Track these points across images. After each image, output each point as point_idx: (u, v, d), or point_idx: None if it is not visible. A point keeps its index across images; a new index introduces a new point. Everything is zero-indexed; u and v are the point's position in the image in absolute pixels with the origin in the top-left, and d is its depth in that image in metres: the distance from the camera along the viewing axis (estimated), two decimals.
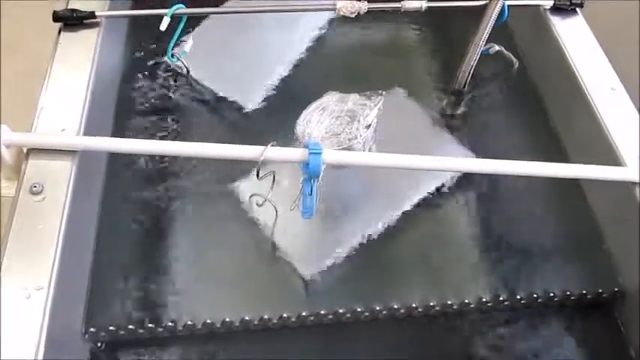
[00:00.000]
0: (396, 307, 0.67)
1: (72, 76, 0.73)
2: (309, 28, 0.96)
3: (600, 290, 0.69)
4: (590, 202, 0.75)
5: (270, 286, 0.70)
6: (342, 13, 0.79)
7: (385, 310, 0.67)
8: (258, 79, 0.89)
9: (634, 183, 0.67)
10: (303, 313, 0.66)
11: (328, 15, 0.97)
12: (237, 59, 0.92)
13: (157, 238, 0.72)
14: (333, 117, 0.76)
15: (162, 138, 0.79)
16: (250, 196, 0.74)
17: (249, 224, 0.73)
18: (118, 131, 0.78)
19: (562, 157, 0.79)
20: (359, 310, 0.66)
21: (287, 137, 0.80)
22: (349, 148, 0.75)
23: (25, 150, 0.66)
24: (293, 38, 0.95)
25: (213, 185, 0.77)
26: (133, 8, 0.82)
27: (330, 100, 0.78)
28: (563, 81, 0.80)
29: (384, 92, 0.78)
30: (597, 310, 0.70)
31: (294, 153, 0.64)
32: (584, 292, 0.69)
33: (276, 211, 0.72)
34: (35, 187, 0.63)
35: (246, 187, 0.76)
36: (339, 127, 0.73)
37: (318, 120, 0.76)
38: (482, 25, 0.79)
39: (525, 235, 0.74)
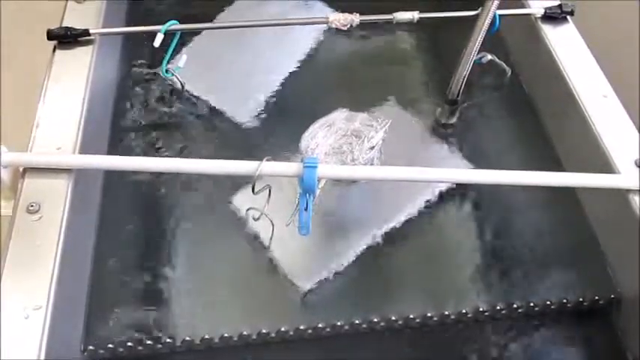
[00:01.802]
0: (393, 318, 0.67)
1: (67, 94, 0.73)
2: (302, 40, 0.97)
3: (597, 297, 0.69)
4: (585, 209, 0.76)
5: (268, 300, 0.70)
6: (334, 26, 0.80)
7: (383, 321, 0.67)
8: (253, 92, 0.90)
9: (628, 190, 0.67)
10: (301, 327, 0.66)
11: (322, 26, 0.98)
12: (232, 72, 0.92)
13: (155, 254, 0.72)
14: (338, 135, 0.77)
15: (158, 153, 0.80)
16: (247, 210, 0.74)
17: (247, 238, 0.74)
18: (114, 148, 0.78)
19: (556, 165, 0.79)
20: (357, 322, 0.67)
21: (283, 149, 0.81)
22: None
23: (21, 169, 0.66)
24: (287, 50, 0.96)
25: (210, 198, 0.77)
26: (127, 25, 0.83)
27: (338, 117, 0.79)
28: (555, 89, 0.81)
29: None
30: (594, 317, 0.70)
31: (290, 167, 0.65)
32: (581, 299, 0.69)
33: (273, 225, 0.72)
34: (32, 206, 0.63)
35: (242, 201, 0.77)
36: (343, 146, 0.73)
37: (324, 136, 0.77)
38: (474, 35, 0.79)
39: (521, 243, 0.74)
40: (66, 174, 0.66)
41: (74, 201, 0.65)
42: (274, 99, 0.89)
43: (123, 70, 0.87)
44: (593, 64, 0.80)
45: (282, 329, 0.66)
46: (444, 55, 0.95)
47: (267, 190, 0.68)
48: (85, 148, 0.69)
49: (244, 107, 0.88)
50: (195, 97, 0.87)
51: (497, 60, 0.84)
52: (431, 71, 0.94)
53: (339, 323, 0.66)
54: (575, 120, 0.77)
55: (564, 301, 0.69)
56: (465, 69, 0.82)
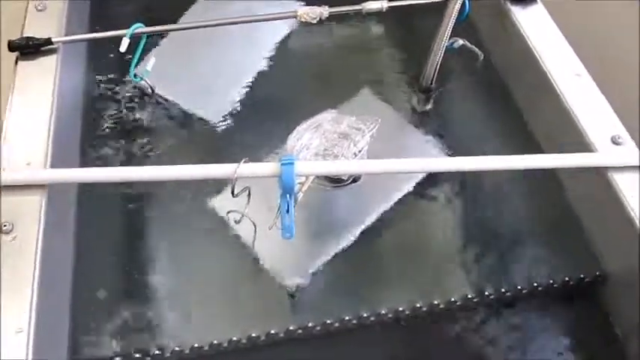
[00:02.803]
0: (383, 312, 0.67)
1: (33, 107, 0.71)
2: (270, 35, 0.96)
3: (582, 276, 0.70)
4: (565, 190, 0.76)
5: (256, 302, 0.69)
6: (303, 20, 0.79)
7: (373, 316, 0.66)
8: (224, 91, 0.89)
9: (607, 168, 0.68)
10: (291, 327, 0.65)
11: (290, 20, 0.96)
12: (202, 73, 0.91)
13: (136, 264, 0.70)
14: (325, 137, 0.76)
15: (132, 160, 0.78)
16: (227, 213, 0.73)
17: (229, 241, 0.73)
18: (86, 159, 0.76)
19: (533, 147, 0.80)
20: (347, 318, 0.66)
21: (260, 148, 0.80)
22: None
23: None
24: (256, 46, 0.94)
25: (188, 203, 0.76)
26: (90, 31, 0.80)
27: (325, 118, 0.78)
28: (528, 70, 0.81)
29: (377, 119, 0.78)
30: (581, 295, 0.71)
31: (267, 167, 0.64)
32: (567, 279, 0.70)
33: (255, 227, 0.71)
34: (5, 226, 0.61)
35: (221, 203, 0.75)
36: (329, 149, 0.72)
37: (310, 137, 0.76)
38: (444, 21, 0.79)
39: (503, 227, 0.75)
40: (39, 189, 0.64)
41: (49, 218, 0.63)
42: (247, 97, 0.88)
43: (90, 78, 0.84)
44: (564, 44, 0.80)
45: (272, 332, 0.65)
46: (414, 42, 0.94)
47: (247, 192, 0.68)
48: (56, 162, 0.67)
49: (217, 107, 0.86)
50: (166, 100, 0.85)
51: (468, 45, 0.84)
52: (403, 59, 0.93)
53: (329, 321, 0.66)
54: (549, 100, 0.77)
55: (551, 282, 0.69)
56: (437, 55, 0.82)
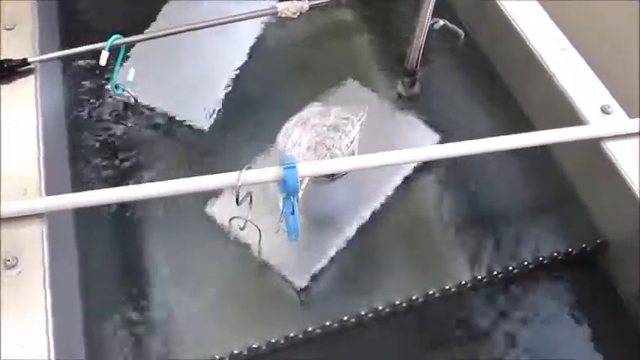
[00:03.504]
0: (397, 302, 0.67)
1: (19, 132, 0.69)
2: (247, 31, 0.94)
3: (584, 245, 0.71)
4: (559, 162, 0.77)
5: (268, 306, 0.69)
6: (284, 16, 0.77)
7: (388, 307, 0.67)
8: (207, 93, 0.87)
9: (600, 138, 0.69)
10: (309, 328, 0.66)
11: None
12: (182, 76, 0.89)
13: (142, 279, 0.70)
14: (315, 131, 0.75)
15: (124, 175, 0.77)
16: (230, 220, 0.72)
17: (233, 247, 0.72)
18: (78, 178, 0.74)
19: (524, 121, 0.81)
20: (362, 312, 0.67)
21: (252, 147, 0.79)
22: None
23: None
24: (233, 44, 0.93)
25: (187, 212, 0.75)
26: (63, 47, 0.77)
27: (312, 112, 0.77)
28: (512, 47, 0.81)
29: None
30: (583, 264, 0.72)
31: (270, 172, 0.63)
32: (570, 249, 0.71)
33: (260, 231, 0.70)
34: (8, 260, 0.59)
35: (220, 209, 0.75)
36: (321, 143, 0.72)
37: (299, 134, 0.75)
38: (425, 3, 0.79)
39: (502, 206, 0.76)
40: (37, 218, 0.62)
41: (52, 247, 0.61)
42: (231, 96, 0.86)
43: (71, 95, 0.82)
44: (546, 19, 0.80)
45: (291, 334, 0.65)
46: (392, 27, 0.94)
47: (249, 198, 0.67)
48: (51, 185, 0.66)
49: (202, 111, 0.85)
50: (150, 109, 0.84)
51: (449, 25, 0.84)
52: (382, 45, 0.93)
53: (345, 317, 0.66)
54: (536, 75, 0.78)
55: (555, 254, 0.71)
56: (420, 38, 0.82)
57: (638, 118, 0.69)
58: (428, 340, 0.68)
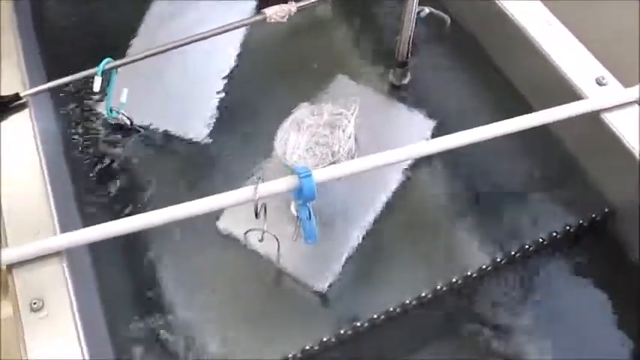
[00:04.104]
0: (423, 294, 0.68)
1: (22, 169, 0.67)
2: (232, 35, 0.92)
3: (594, 215, 0.73)
4: (558, 137, 0.78)
5: (294, 313, 0.70)
6: (273, 21, 0.77)
7: (415, 300, 0.68)
8: (201, 104, 0.86)
9: (599, 110, 0.70)
10: (341, 331, 0.66)
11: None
12: (172, 90, 0.87)
13: (166, 302, 0.69)
14: (310, 132, 0.75)
15: (131, 198, 0.76)
16: (246, 233, 0.72)
17: (251, 258, 0.72)
18: (86, 208, 0.73)
19: (519, 101, 0.81)
20: (391, 309, 0.67)
21: (255, 154, 0.79)
22: (336, 163, 0.74)
23: (4, 266, 0.61)
24: (221, 49, 0.91)
25: (199, 228, 0.74)
26: (49, 79, 0.75)
27: (304, 113, 0.77)
28: (499, 26, 0.82)
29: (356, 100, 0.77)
30: (593, 233, 0.74)
31: (286, 182, 0.63)
32: (581, 221, 0.73)
33: (278, 241, 0.70)
34: (35, 303, 0.58)
35: (232, 222, 0.74)
36: (319, 142, 0.72)
37: (296, 138, 0.75)
38: None
39: (507, 186, 0.77)
40: (56, 257, 0.61)
41: (76, 284, 0.60)
42: (224, 103, 0.86)
43: (67, 124, 0.80)
44: None
45: (324, 339, 0.66)
46: (375, 19, 0.94)
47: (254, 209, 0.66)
48: (63, 222, 0.64)
49: (199, 122, 0.84)
50: (145, 128, 0.82)
51: (435, 12, 0.85)
52: (368, 38, 0.93)
53: (375, 315, 0.67)
54: (527, 53, 0.78)
55: (567, 227, 0.72)
56: (409, 28, 0.82)
57: (635, 87, 0.71)
58: (461, 325, 0.69)
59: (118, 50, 0.88)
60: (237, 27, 0.76)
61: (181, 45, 0.74)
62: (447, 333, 0.68)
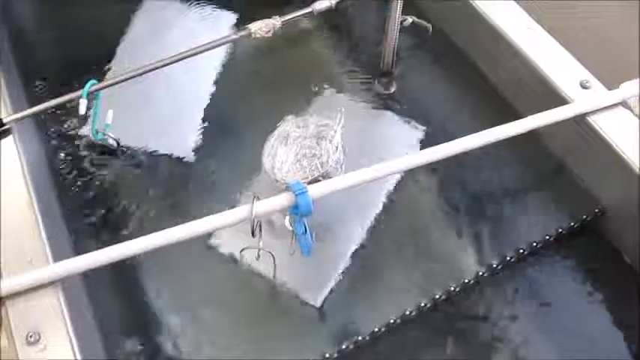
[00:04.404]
0: (422, 304, 0.68)
1: (10, 197, 0.65)
2: (216, 50, 0.92)
3: (585, 216, 0.74)
4: (545, 141, 0.79)
5: (292, 329, 0.69)
6: (258, 36, 0.76)
7: (415, 310, 0.68)
8: (185, 122, 0.85)
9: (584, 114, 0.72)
10: (343, 346, 0.66)
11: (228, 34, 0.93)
12: (156, 109, 0.86)
13: (165, 328, 0.68)
14: (297, 145, 0.75)
15: (121, 220, 0.75)
16: (241, 251, 0.71)
17: (241, 274, 0.71)
18: (78, 234, 0.71)
19: (505, 106, 0.82)
20: (392, 320, 0.67)
21: (237, 169, 0.79)
22: (325, 174, 0.75)
23: None
24: (200, 67, 0.91)
25: (192, 246, 0.73)
26: (31, 104, 0.73)
27: (290, 126, 0.76)
28: (480, 33, 0.83)
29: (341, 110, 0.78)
30: (585, 233, 0.75)
31: (282, 200, 0.63)
32: (572, 223, 0.74)
33: (273, 257, 0.70)
34: (31, 336, 0.57)
35: (225, 239, 0.74)
36: (308, 155, 0.72)
37: (284, 151, 0.75)
38: (393, 2, 0.79)
39: (498, 192, 0.78)
40: (51, 287, 0.60)
41: (72, 314, 0.59)
42: (210, 120, 0.85)
43: (53, 148, 0.79)
44: (508, 1, 0.82)
45: (327, 355, 0.65)
46: (354, 30, 0.94)
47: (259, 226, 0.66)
48: (55, 250, 0.63)
49: (184, 140, 0.83)
50: (131, 148, 0.81)
51: (417, 20, 0.85)
52: (349, 49, 0.93)
53: (376, 329, 0.67)
54: (511, 58, 0.79)
55: (560, 230, 0.73)
56: (393, 38, 0.83)
57: (617, 90, 0.72)
58: (460, 334, 0.69)
59: (98, 71, 0.87)
60: (222, 43, 0.76)
61: (166, 64, 0.74)
62: (444, 340, 0.68)
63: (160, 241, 0.61)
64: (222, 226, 0.62)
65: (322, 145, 0.76)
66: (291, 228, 0.72)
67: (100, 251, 0.60)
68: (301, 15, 0.78)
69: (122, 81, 0.72)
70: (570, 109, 0.71)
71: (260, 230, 0.66)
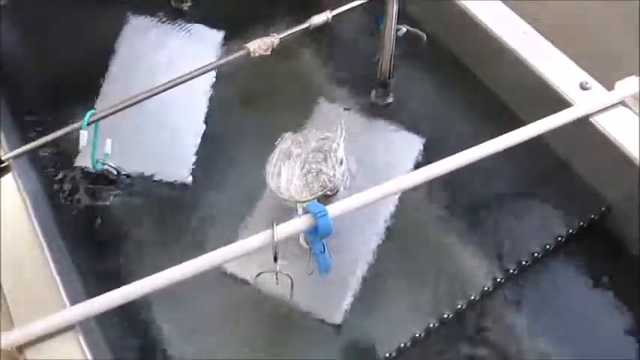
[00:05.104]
0: (445, 315, 0.68)
1: (16, 236, 0.63)
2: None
3: (592, 216, 0.75)
4: (547, 143, 0.79)
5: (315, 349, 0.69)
6: (257, 54, 0.75)
7: (437, 322, 0.68)
8: (181, 145, 0.84)
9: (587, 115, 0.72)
10: None
11: (217, 52, 0.92)
12: (152, 132, 0.84)
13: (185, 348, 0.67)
14: (301, 161, 0.74)
15: (130, 251, 0.73)
16: (257, 276, 0.70)
17: (256, 296, 0.71)
18: (87, 270, 0.69)
19: (505, 112, 0.82)
20: (416, 334, 0.67)
21: (239, 191, 0.78)
22: (333, 189, 0.74)
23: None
24: (193, 88, 0.88)
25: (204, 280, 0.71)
26: (24, 140, 0.70)
27: (289, 144, 0.75)
28: (476, 39, 0.83)
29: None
30: (593, 231, 0.76)
31: (302, 222, 0.62)
32: (581, 223, 0.75)
33: (291, 279, 0.68)
34: None
35: (239, 264, 0.72)
36: (312, 170, 0.71)
37: (288, 170, 0.73)
38: (389, 12, 0.78)
39: (506, 198, 0.78)
40: (70, 332, 0.57)
41: (94, 356, 0.57)
42: (206, 144, 0.83)
43: (53, 183, 0.76)
44: (501, 6, 0.83)
45: None
46: (347, 43, 0.94)
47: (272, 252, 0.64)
48: (69, 292, 0.61)
49: (184, 166, 0.81)
50: (131, 176, 0.79)
51: (412, 29, 0.85)
52: (343, 61, 0.92)
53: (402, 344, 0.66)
54: (508, 63, 0.80)
55: (570, 231, 0.74)
56: (390, 48, 0.82)
57: (617, 90, 0.73)
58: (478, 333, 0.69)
59: (88, 98, 0.84)
60: (221, 64, 0.74)
61: (166, 89, 0.72)
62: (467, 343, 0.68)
63: (179, 274, 0.59)
64: (243, 253, 0.61)
65: (327, 160, 0.75)
66: (306, 246, 0.71)
67: (119, 290, 0.58)
68: (298, 30, 0.77)
69: (122, 109, 0.70)
70: (574, 111, 0.72)
71: (276, 253, 0.65)
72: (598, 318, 0.71)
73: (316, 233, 0.63)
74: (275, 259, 0.62)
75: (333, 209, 0.63)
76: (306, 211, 0.63)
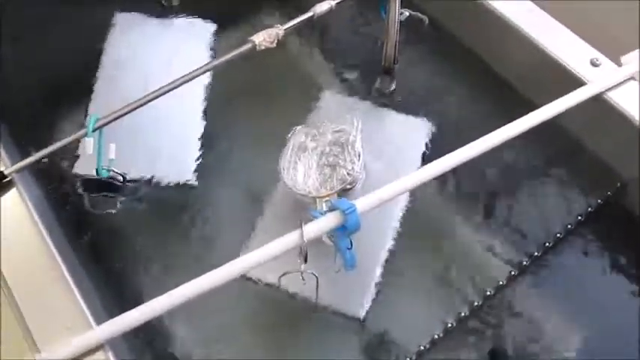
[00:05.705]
0: (463, 314, 0.68)
1: (31, 258, 0.59)
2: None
3: (608, 192, 0.75)
4: (561, 123, 0.77)
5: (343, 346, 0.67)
6: (263, 47, 0.72)
7: (455, 321, 0.67)
8: (184, 145, 0.81)
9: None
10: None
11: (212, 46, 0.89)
12: (153, 133, 0.81)
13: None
14: (317, 155, 0.72)
15: (146, 259, 0.70)
16: (281, 276, 0.68)
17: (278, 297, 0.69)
18: (110, 286, 0.66)
19: (513, 93, 0.81)
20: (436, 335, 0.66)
21: (248, 188, 0.77)
22: (353, 182, 0.72)
23: None
24: (192, 83, 0.85)
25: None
26: (24, 153, 0.66)
27: (302, 138, 0.73)
28: (480, 21, 0.82)
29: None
30: (609, 207, 0.76)
31: (332, 220, 0.60)
32: (600, 201, 0.74)
33: (317, 277, 0.67)
34: None
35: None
36: (330, 164, 0.69)
37: (304, 165, 0.71)
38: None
39: (522, 180, 0.77)
40: (100, 351, 0.55)
41: None
42: (210, 141, 0.81)
43: (59, 193, 0.72)
44: None
45: None
46: (343, 31, 0.91)
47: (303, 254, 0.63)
48: (93, 307, 0.58)
49: (185, 164, 0.78)
50: (136, 181, 0.76)
51: (413, 13, 0.83)
52: (341, 50, 0.90)
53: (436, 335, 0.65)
54: (514, 43, 0.79)
55: (589, 209, 0.74)
56: (394, 33, 0.80)
57: (628, 65, 0.73)
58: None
59: (82, 100, 0.80)
60: (226, 60, 0.71)
61: (171, 89, 0.68)
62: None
63: (209, 283, 0.57)
64: (273, 255, 0.58)
65: (346, 153, 0.73)
66: (330, 243, 0.70)
67: (148, 304, 0.55)
68: (302, 20, 0.74)
69: (124, 114, 0.66)
70: (588, 90, 0.71)
71: (306, 254, 0.62)
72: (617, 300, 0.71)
73: (344, 230, 0.61)
74: (305, 260, 0.60)
75: (361, 204, 0.61)
76: (332, 208, 0.62)
